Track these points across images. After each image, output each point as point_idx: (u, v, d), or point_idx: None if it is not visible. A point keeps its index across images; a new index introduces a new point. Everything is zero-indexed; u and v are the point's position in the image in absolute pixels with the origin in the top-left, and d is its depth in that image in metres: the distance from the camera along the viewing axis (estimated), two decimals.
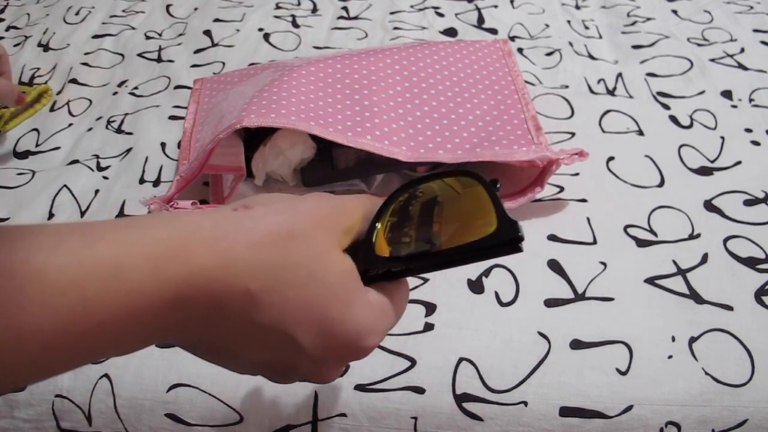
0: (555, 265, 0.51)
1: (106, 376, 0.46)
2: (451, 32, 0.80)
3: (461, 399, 0.44)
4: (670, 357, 0.45)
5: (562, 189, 0.57)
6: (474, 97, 0.56)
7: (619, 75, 0.71)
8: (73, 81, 0.76)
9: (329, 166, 0.55)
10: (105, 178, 0.61)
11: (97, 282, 0.23)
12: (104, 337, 0.24)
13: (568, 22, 0.81)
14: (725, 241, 0.53)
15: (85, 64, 0.79)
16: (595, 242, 0.53)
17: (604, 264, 0.51)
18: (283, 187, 0.57)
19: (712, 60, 0.73)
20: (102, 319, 0.23)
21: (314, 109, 0.53)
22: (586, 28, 0.80)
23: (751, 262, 0.51)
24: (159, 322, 0.25)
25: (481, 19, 0.82)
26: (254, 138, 0.57)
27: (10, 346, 0.21)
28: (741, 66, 0.72)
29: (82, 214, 0.57)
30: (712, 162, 0.60)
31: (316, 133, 0.50)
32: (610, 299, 0.49)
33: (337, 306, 0.28)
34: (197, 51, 0.79)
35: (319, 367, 0.30)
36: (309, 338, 0.27)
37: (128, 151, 0.64)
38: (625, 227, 0.54)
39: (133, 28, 0.86)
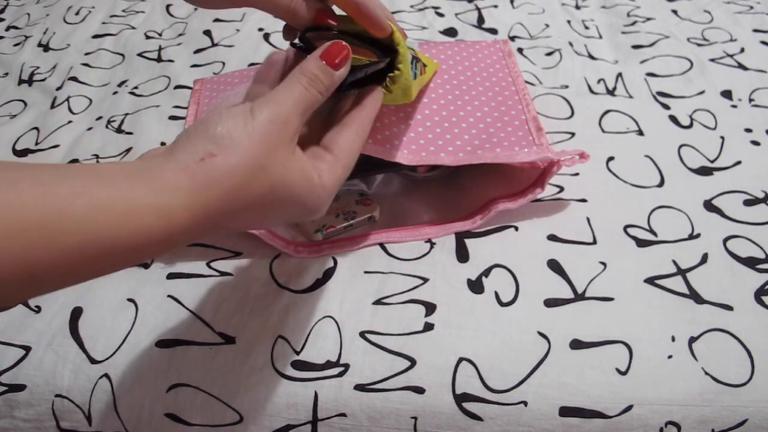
0: (555, 265, 0.51)
1: (106, 376, 0.46)
2: (451, 32, 0.80)
3: (461, 399, 0.44)
4: (669, 357, 0.45)
5: (562, 189, 0.57)
6: (475, 99, 0.56)
7: (619, 75, 0.71)
8: (73, 79, 0.76)
9: None
10: None
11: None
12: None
13: (568, 22, 0.81)
14: (725, 241, 0.53)
15: (86, 64, 0.79)
16: (595, 242, 0.53)
17: (604, 264, 0.51)
18: None
19: (712, 60, 0.73)
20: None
21: None
22: (586, 28, 0.80)
23: (751, 262, 0.51)
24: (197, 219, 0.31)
25: (481, 19, 0.82)
26: None
27: None
28: (741, 66, 0.72)
29: None
30: (712, 162, 0.60)
31: None
32: (610, 299, 0.49)
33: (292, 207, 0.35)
34: (197, 51, 0.79)
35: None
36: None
37: (128, 150, 0.64)
38: (625, 227, 0.54)
39: (133, 28, 0.86)
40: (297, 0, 0.42)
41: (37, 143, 0.67)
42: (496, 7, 0.85)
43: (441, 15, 0.84)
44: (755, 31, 0.79)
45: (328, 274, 0.51)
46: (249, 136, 0.32)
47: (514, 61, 0.63)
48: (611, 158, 0.60)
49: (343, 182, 0.38)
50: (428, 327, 0.47)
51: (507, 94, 0.58)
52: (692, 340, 0.46)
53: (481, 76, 0.59)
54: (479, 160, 0.51)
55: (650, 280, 0.50)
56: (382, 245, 0.53)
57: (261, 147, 0.32)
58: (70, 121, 0.70)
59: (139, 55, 0.80)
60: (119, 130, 0.68)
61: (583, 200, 0.56)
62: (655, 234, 0.53)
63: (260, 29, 0.82)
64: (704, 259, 0.51)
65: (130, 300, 0.50)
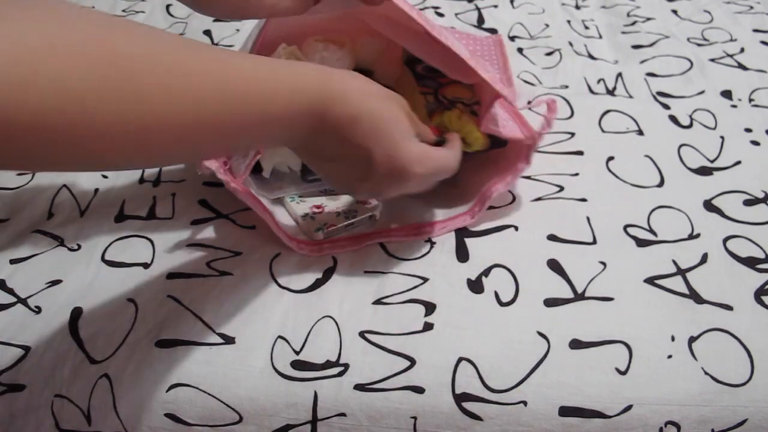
0: (555, 265, 0.51)
1: (106, 376, 0.46)
2: None
3: (461, 399, 0.44)
4: (669, 357, 0.45)
5: (562, 189, 0.57)
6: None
7: (619, 75, 0.71)
8: None
9: None
10: (104, 177, 0.61)
11: (283, 91, 0.37)
12: (271, 124, 0.37)
13: (568, 22, 0.81)
14: (725, 241, 0.53)
15: None
16: (594, 242, 0.53)
17: (604, 264, 0.51)
18: (286, 186, 0.57)
19: (712, 60, 0.73)
20: (275, 111, 0.37)
21: None
22: (586, 28, 0.80)
23: (750, 262, 0.51)
24: (300, 122, 0.38)
25: (481, 19, 0.82)
26: None
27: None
28: (741, 66, 0.72)
29: (82, 213, 0.57)
30: (712, 162, 0.60)
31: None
32: (610, 299, 0.49)
33: (401, 138, 0.42)
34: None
35: (378, 184, 0.42)
36: (380, 156, 0.40)
37: None
38: (625, 227, 0.54)
39: None
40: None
41: None
42: (496, 7, 0.85)
43: (441, 15, 0.84)
44: (755, 31, 0.79)
45: (328, 273, 0.51)
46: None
47: (503, 48, 0.63)
48: (611, 158, 0.60)
49: (429, 173, 0.44)
50: (428, 327, 0.47)
51: (493, 59, 0.59)
52: (692, 339, 0.46)
53: (472, 48, 0.60)
54: (455, 48, 0.51)
55: (650, 280, 0.50)
56: (382, 245, 0.53)
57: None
58: None
59: None
60: None
61: (583, 200, 0.56)
62: (655, 234, 0.53)
63: None
64: (704, 259, 0.51)
65: (130, 300, 0.50)
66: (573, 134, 0.63)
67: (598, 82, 0.70)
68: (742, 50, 0.75)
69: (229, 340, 0.47)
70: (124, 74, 0.29)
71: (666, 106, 0.67)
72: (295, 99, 0.37)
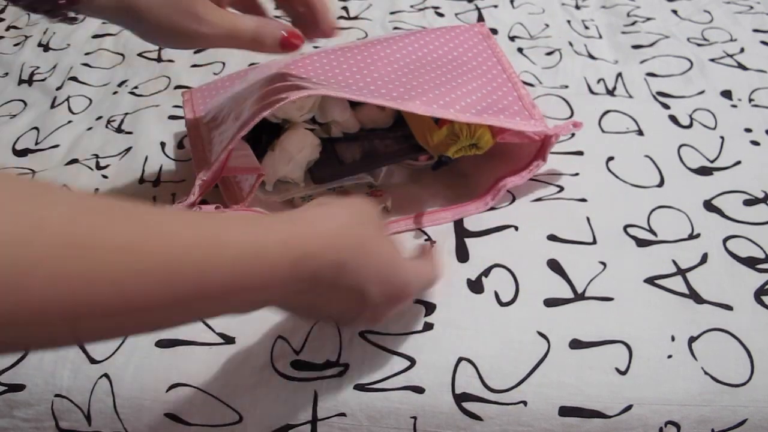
0: (555, 265, 0.51)
1: (106, 375, 0.46)
2: None
3: (461, 398, 0.44)
4: (669, 357, 0.45)
5: (562, 189, 0.57)
6: (464, 85, 0.56)
7: (619, 75, 0.71)
8: (73, 78, 0.76)
9: (336, 162, 0.56)
10: (104, 177, 0.61)
11: (258, 258, 0.32)
12: (254, 293, 0.32)
13: (568, 22, 0.81)
14: (725, 241, 0.53)
15: (86, 64, 0.79)
16: (594, 242, 0.53)
17: (604, 264, 0.51)
18: (294, 188, 0.57)
19: (712, 60, 0.73)
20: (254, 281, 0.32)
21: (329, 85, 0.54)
22: (586, 28, 0.80)
23: (750, 262, 0.51)
24: (282, 287, 0.33)
25: (480, 19, 0.82)
26: (257, 143, 0.57)
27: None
28: (741, 66, 0.72)
29: None
30: (712, 162, 0.60)
31: (348, 97, 0.51)
32: (610, 299, 0.49)
33: (391, 260, 0.39)
34: (197, 51, 0.79)
35: (376, 312, 0.40)
36: (375, 291, 0.37)
37: (128, 150, 0.64)
38: (625, 227, 0.54)
39: None
40: (259, 31, 0.43)
41: (37, 143, 0.67)
42: (496, 7, 0.85)
43: (441, 15, 0.84)
44: (755, 31, 0.79)
45: None
46: (341, 204, 0.39)
47: (494, 42, 0.62)
48: (611, 158, 0.60)
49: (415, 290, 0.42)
50: (428, 327, 0.47)
51: (494, 73, 0.58)
52: (692, 339, 0.46)
53: (465, 58, 0.60)
54: (485, 122, 0.52)
55: (650, 280, 0.50)
56: None
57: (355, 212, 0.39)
58: (70, 121, 0.70)
59: (139, 55, 0.80)
60: (119, 130, 0.68)
61: (583, 200, 0.56)
62: (655, 234, 0.53)
63: None
64: (704, 259, 0.51)
65: None
66: (573, 134, 0.63)
67: (598, 82, 0.70)
68: (742, 50, 0.75)
69: (229, 340, 0.47)
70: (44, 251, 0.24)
71: (666, 106, 0.67)
72: (264, 270, 0.32)
